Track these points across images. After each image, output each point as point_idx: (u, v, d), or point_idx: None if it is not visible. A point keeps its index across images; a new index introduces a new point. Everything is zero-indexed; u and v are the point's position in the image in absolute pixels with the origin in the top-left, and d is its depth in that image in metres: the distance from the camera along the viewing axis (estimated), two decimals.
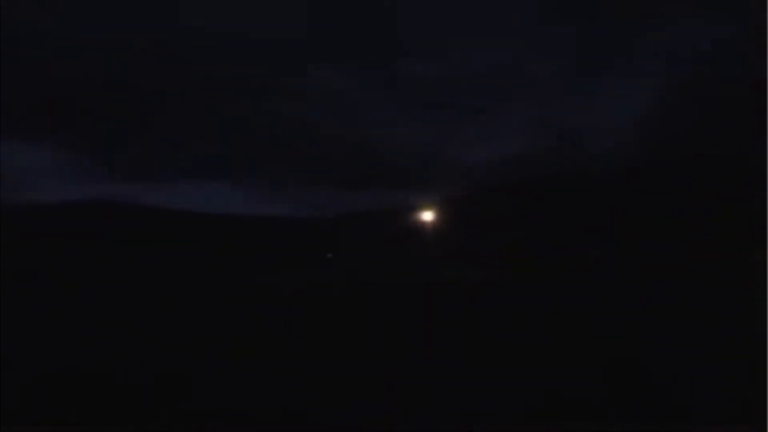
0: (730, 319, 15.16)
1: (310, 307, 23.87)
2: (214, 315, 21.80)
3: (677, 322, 15.79)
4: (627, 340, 13.78)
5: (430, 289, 31.50)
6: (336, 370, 11.31)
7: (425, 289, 31.02)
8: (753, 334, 11.61)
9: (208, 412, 9.07)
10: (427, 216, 64.49)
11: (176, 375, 11.05)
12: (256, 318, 20.63)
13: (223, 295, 31.99)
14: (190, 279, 50.06)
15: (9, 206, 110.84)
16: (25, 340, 15.09)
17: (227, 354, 13.31)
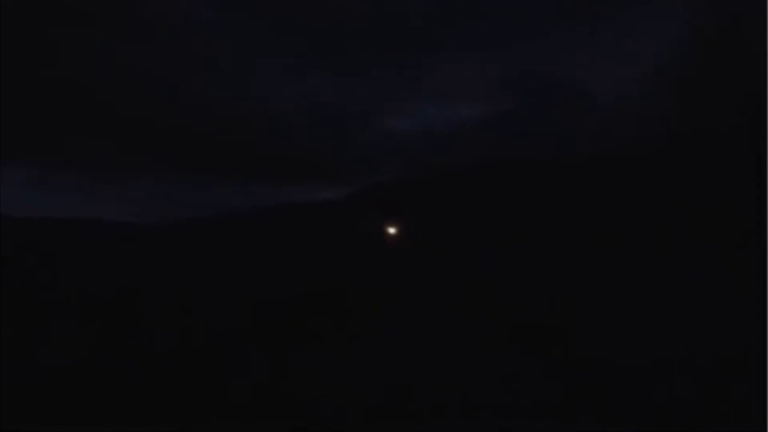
0: (729, 316, 15.27)
1: None
2: None
3: (675, 322, 15.79)
4: (624, 339, 13.64)
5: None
6: None
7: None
8: (753, 331, 11.66)
9: None
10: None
11: None
12: None
13: None
14: None
15: None
16: None
17: None
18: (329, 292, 31.72)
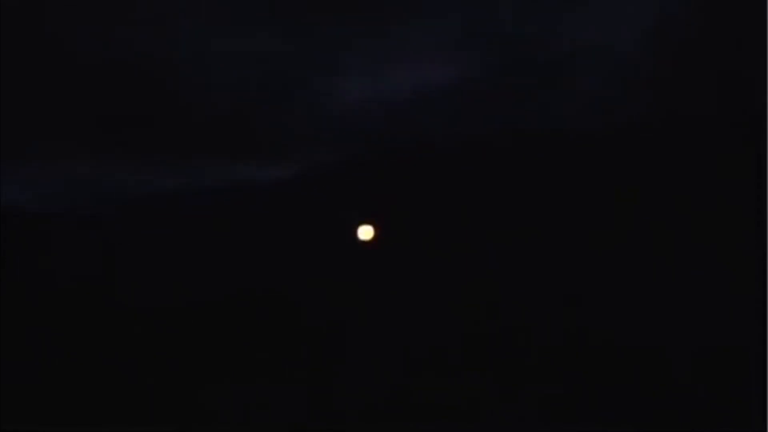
0: (726, 311, 15.87)
1: None
2: None
3: (670, 316, 16.22)
4: (619, 335, 13.89)
5: None
6: None
7: None
8: (752, 330, 12.18)
9: None
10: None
11: None
12: None
13: None
14: None
15: None
16: None
17: None
18: (267, 290, 29.55)
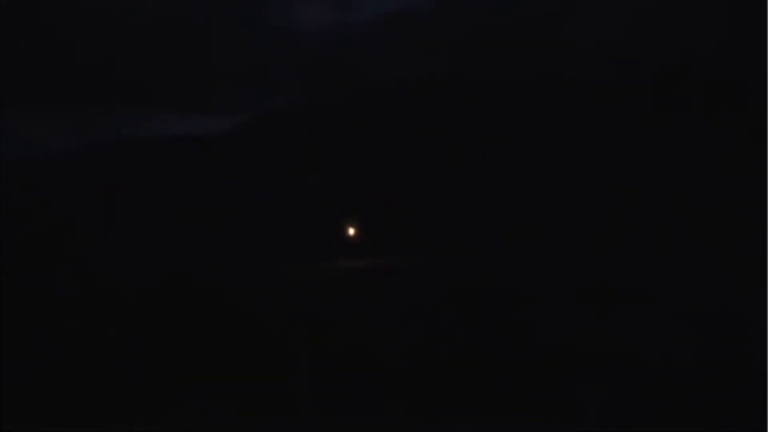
0: (729, 312, 15.91)
1: None
2: None
3: (673, 318, 16.10)
4: (619, 331, 13.77)
5: None
6: None
7: None
8: (753, 328, 12.27)
9: None
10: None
11: None
12: None
13: None
14: None
15: None
16: None
17: None
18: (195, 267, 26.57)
